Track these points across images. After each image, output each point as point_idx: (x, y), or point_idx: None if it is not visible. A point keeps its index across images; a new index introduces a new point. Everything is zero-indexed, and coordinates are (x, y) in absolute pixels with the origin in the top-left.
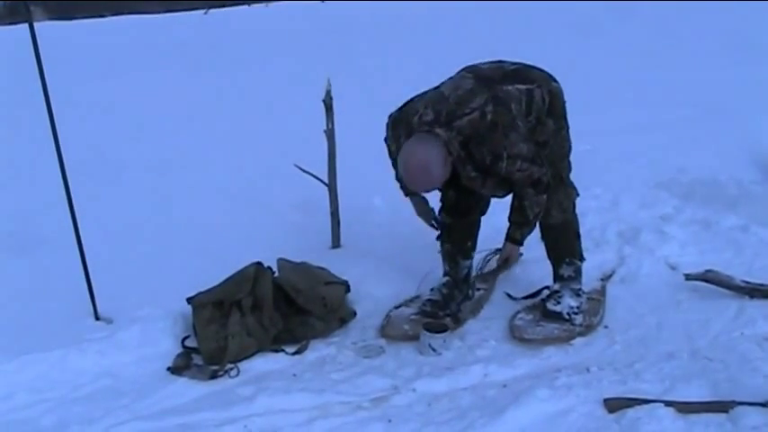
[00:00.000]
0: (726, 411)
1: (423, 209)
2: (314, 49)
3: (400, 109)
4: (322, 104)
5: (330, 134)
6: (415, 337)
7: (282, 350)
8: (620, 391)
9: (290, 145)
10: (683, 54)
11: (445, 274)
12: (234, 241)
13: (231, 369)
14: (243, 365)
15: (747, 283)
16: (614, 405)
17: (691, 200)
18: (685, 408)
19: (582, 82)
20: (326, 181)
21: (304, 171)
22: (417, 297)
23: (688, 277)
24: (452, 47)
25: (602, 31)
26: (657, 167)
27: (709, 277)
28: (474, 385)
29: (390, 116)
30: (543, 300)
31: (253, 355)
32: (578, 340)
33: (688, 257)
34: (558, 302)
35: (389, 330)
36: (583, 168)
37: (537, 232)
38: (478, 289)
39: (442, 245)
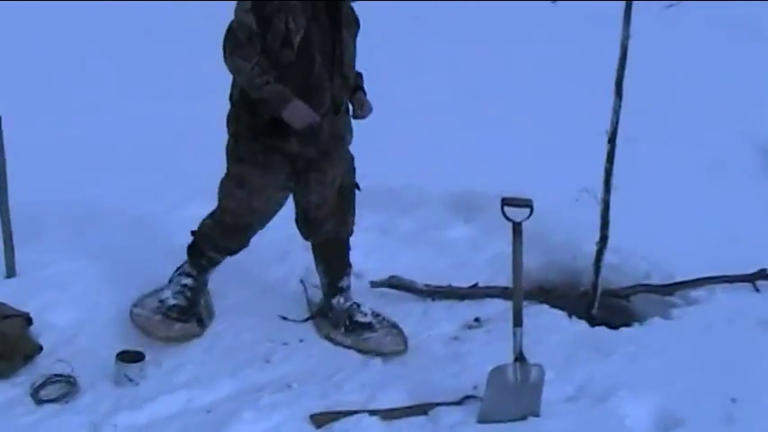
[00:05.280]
0: (425, 413)
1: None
2: None
3: None
4: None
5: None
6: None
7: None
8: (324, 404)
9: None
10: None
11: (189, 276)
12: None
13: None
14: None
15: (428, 285)
16: (321, 420)
17: (367, 207)
18: (388, 414)
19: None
20: None
21: None
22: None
23: (374, 284)
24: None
25: None
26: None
27: (393, 283)
28: (178, 413)
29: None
30: (350, 313)
31: None
32: (277, 355)
33: (371, 264)
34: (366, 313)
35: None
36: None
37: None
38: None
39: (201, 255)
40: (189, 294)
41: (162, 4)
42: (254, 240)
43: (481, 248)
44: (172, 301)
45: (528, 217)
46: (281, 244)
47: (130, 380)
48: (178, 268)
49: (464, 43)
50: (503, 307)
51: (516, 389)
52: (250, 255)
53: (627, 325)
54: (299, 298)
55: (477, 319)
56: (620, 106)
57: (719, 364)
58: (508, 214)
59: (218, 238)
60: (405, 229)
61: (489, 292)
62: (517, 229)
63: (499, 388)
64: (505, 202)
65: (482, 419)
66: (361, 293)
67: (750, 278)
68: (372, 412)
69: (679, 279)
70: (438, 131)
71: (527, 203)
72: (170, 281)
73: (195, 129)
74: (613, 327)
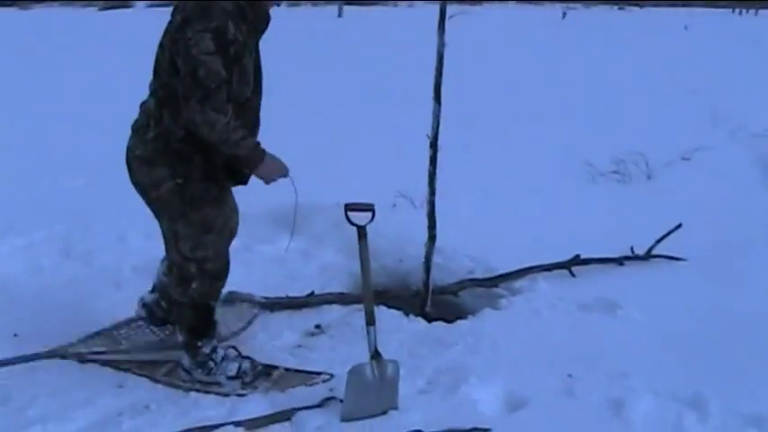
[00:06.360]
0: (289, 419)
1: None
2: None
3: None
4: None
5: None
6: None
7: None
8: (185, 422)
9: None
10: None
11: (212, 344)
12: None
13: None
14: None
15: (267, 298)
16: None
17: None
18: (253, 424)
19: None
20: None
21: None
22: None
23: None
24: None
25: None
26: None
27: (232, 298)
28: None
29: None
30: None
31: None
32: (129, 379)
33: None
34: None
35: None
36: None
37: None
38: None
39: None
40: (232, 353)
41: None
42: (85, 271)
43: (311, 258)
44: (234, 369)
45: (371, 220)
46: (113, 272)
47: None
48: (196, 355)
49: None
50: (341, 312)
51: (375, 385)
52: (82, 285)
53: (461, 318)
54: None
55: (318, 326)
56: (439, 111)
57: (551, 346)
58: (352, 219)
59: (212, 286)
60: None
61: (327, 299)
62: (362, 232)
63: (358, 386)
64: (349, 207)
65: (345, 418)
66: None
67: (566, 265)
68: (237, 423)
69: (502, 272)
70: None
71: (369, 208)
72: (201, 364)
73: None
74: (449, 321)
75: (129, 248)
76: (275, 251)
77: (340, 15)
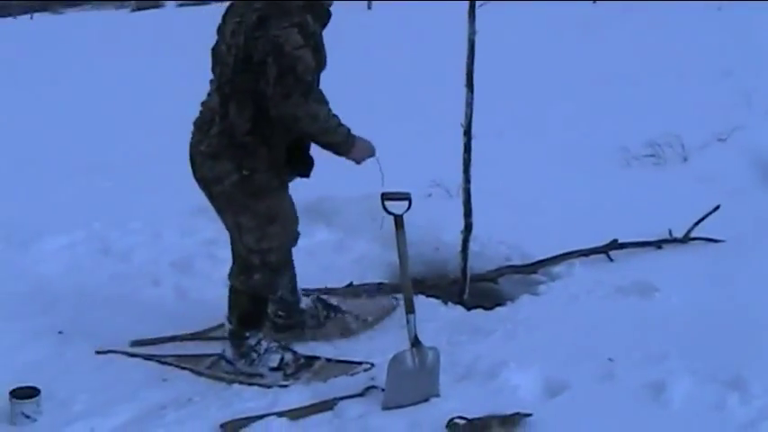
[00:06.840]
0: (331, 409)
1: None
2: None
3: None
4: None
5: None
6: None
7: None
8: (229, 413)
9: None
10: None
11: (259, 337)
12: None
13: None
14: None
15: (305, 290)
16: (231, 427)
17: None
18: (295, 414)
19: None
20: None
21: None
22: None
23: None
24: None
25: None
26: (187, 194)
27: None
28: None
29: None
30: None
31: None
32: (172, 372)
33: None
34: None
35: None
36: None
37: None
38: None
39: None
40: (274, 345)
41: None
42: (124, 268)
43: (346, 250)
44: (276, 361)
45: (407, 209)
46: (151, 268)
47: (27, 417)
48: (241, 346)
49: None
50: None
51: (415, 373)
52: (122, 282)
53: (500, 305)
54: (177, 316)
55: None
56: (472, 99)
57: (590, 330)
58: (389, 208)
59: (272, 279)
60: None
61: (366, 290)
62: (399, 221)
63: (399, 374)
64: (385, 196)
65: (387, 406)
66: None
67: (603, 249)
68: (279, 414)
69: (538, 258)
70: None
71: (406, 197)
72: (244, 355)
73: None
74: (487, 308)
75: (165, 245)
76: (310, 244)
77: (369, 8)
